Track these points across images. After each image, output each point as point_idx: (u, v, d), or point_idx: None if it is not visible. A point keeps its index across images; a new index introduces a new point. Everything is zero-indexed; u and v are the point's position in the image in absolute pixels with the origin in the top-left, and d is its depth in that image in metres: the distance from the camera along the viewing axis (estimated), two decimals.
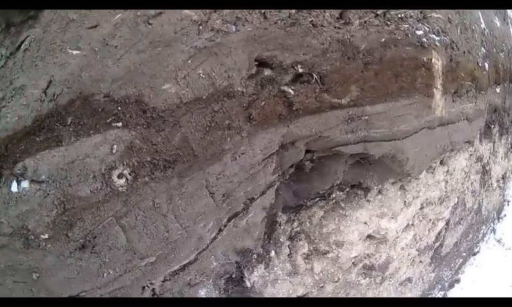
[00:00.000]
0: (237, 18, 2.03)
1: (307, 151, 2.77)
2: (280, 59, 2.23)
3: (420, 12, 2.91)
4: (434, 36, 3.01)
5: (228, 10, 1.99)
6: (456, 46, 3.37)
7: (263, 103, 2.21)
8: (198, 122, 2.00)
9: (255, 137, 2.25)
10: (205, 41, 1.95)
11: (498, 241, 5.33)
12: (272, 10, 2.15)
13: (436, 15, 3.05)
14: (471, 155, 4.04)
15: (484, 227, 5.15)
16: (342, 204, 3.28)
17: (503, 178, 5.37)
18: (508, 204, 5.78)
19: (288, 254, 2.95)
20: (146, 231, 2.00)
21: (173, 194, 2.02)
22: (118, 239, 1.93)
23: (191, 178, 2.07)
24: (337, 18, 2.50)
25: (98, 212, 1.85)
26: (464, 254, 4.79)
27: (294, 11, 2.23)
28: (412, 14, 2.80)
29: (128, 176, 1.87)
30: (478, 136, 4.14)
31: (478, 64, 3.76)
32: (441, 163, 3.67)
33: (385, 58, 2.65)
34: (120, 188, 1.87)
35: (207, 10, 1.93)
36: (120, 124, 1.83)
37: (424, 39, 2.87)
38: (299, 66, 2.31)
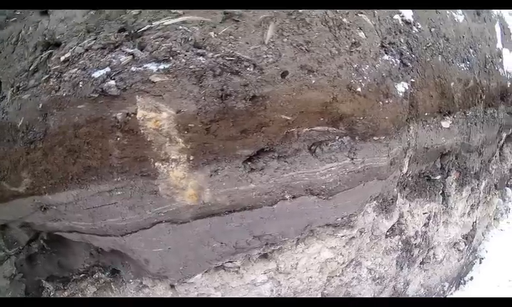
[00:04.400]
0: None
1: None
2: None
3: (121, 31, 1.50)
4: (151, 65, 1.45)
5: None
6: (254, 65, 1.59)
7: None
8: None
9: None
10: None
11: None
12: None
13: (171, 20, 1.47)
14: (352, 238, 2.25)
15: None
16: (113, 286, 2.31)
17: (466, 238, 3.27)
18: (481, 263, 3.67)
19: None
20: None
21: None
22: None
23: None
24: None
25: None
26: None
27: None
28: (87, 44, 1.48)
29: None
30: (374, 205, 2.27)
31: (351, 88, 1.83)
32: (264, 257, 2.07)
33: (50, 131, 1.61)
34: None
35: None
36: None
37: (110, 83, 1.44)
38: None
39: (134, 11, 1.54)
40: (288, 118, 1.73)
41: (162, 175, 1.55)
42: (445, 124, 2.50)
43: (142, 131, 1.48)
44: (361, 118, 1.91)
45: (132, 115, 1.47)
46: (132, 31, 1.49)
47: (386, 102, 2.01)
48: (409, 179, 2.49)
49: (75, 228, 1.83)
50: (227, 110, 1.56)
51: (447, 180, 2.82)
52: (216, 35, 1.56)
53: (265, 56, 1.63)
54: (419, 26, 2.25)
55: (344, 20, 1.83)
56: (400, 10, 2.15)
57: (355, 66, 1.85)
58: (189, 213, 1.64)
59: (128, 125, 1.49)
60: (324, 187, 1.95)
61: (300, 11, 1.72)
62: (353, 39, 1.85)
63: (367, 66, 1.90)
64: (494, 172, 3.46)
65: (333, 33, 1.79)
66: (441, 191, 2.82)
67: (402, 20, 2.15)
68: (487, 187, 3.40)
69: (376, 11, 1.99)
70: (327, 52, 1.76)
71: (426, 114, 2.36)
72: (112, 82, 1.42)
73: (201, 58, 1.49)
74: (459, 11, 2.54)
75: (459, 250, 3.26)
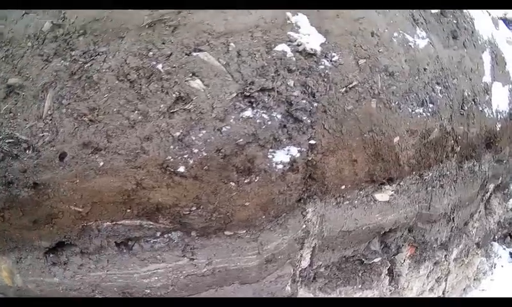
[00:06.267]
0: None
1: None
2: None
3: None
4: None
5: None
6: (32, 147, 1.13)
7: None
8: None
9: None
10: None
11: None
12: None
13: None
14: None
15: None
16: None
17: None
18: None
19: None
20: None
21: None
22: None
23: None
24: None
25: None
26: None
27: None
28: None
29: None
30: None
31: (168, 168, 1.18)
32: None
33: None
34: None
35: None
36: None
37: None
38: None
39: None
40: (80, 210, 1.23)
41: None
42: (382, 196, 1.71)
43: None
44: (195, 208, 1.28)
45: None
46: None
47: (246, 181, 1.33)
48: (322, 270, 1.78)
49: None
50: (13, 199, 1.25)
51: (396, 258, 2.04)
52: None
53: (41, 134, 1.17)
54: (334, 58, 1.46)
55: (159, 66, 1.17)
56: (296, 36, 1.39)
57: (177, 134, 1.20)
58: (12, 293, 1.48)
59: None
60: (149, 291, 1.39)
61: (86, 66, 1.12)
62: (176, 94, 1.19)
63: (204, 131, 1.23)
64: (475, 231, 2.53)
65: (137, 90, 1.15)
66: (386, 272, 2.05)
67: (297, 51, 1.39)
68: (464, 250, 2.50)
69: (232, 43, 1.27)
70: (122, 120, 1.15)
71: (344, 187, 1.60)
72: None
73: None
74: (422, 33, 1.65)
75: None
